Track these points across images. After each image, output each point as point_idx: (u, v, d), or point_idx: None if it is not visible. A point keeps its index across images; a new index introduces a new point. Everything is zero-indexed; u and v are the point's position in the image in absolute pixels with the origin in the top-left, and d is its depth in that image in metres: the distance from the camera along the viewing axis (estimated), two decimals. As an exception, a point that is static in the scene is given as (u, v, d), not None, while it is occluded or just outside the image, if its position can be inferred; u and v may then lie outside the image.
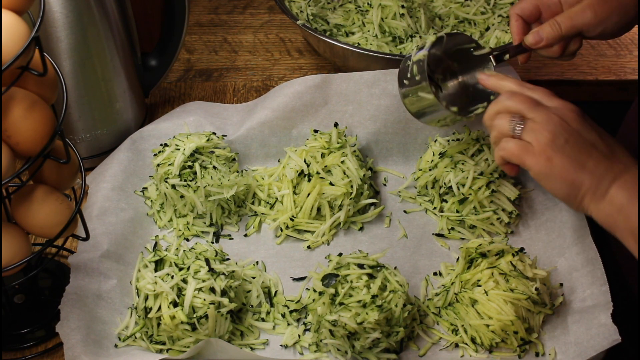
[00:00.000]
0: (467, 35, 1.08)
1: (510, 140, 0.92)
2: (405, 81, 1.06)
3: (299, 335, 1.02)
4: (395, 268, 1.02)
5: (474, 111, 1.05)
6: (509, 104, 0.93)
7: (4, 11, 0.79)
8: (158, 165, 1.14)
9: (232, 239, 1.15)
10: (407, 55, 1.08)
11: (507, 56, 1.07)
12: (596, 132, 0.91)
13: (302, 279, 1.09)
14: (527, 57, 1.08)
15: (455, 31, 1.18)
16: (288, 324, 1.04)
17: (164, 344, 0.99)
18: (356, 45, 1.34)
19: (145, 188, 1.17)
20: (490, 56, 1.06)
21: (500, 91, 0.98)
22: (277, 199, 1.16)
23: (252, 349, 1.01)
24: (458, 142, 1.17)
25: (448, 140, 1.18)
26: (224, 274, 1.00)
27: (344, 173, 1.14)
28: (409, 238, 1.15)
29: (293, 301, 1.05)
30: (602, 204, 0.89)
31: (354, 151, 1.18)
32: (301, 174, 1.14)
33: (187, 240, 1.14)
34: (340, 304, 0.97)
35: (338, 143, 1.17)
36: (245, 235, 1.15)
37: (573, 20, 1.01)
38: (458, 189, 1.13)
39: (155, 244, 1.07)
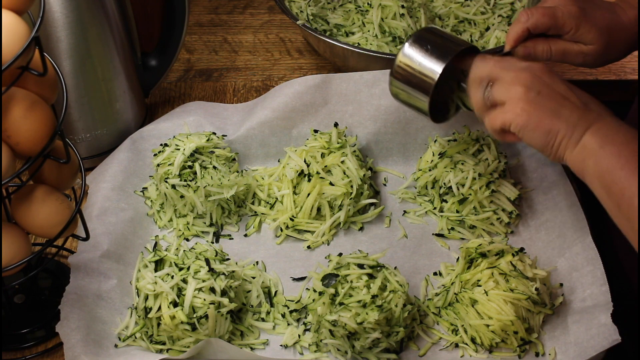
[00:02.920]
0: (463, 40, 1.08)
1: (489, 113, 0.95)
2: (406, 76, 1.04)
3: (299, 335, 1.02)
4: (395, 268, 1.02)
5: (447, 117, 1.07)
6: (477, 71, 0.97)
7: (4, 11, 0.79)
8: (158, 165, 1.14)
9: (232, 239, 1.15)
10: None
11: None
12: (566, 85, 0.94)
13: (302, 279, 1.09)
14: None
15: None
16: (288, 324, 1.04)
17: (164, 344, 0.99)
18: (356, 45, 1.34)
19: (145, 188, 1.17)
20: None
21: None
22: (277, 199, 1.16)
23: (252, 349, 1.01)
24: (457, 142, 1.17)
25: (448, 141, 1.18)
26: (224, 274, 1.00)
27: (344, 173, 1.14)
28: (409, 238, 1.15)
29: (293, 301, 1.05)
30: (575, 151, 0.91)
31: (354, 151, 1.18)
32: (301, 174, 1.14)
33: (187, 240, 1.14)
34: (340, 304, 0.97)
35: (338, 143, 1.17)
36: (245, 235, 1.15)
37: (565, 56, 1.06)
38: (457, 189, 1.13)
39: (155, 244, 1.07)
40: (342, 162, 1.15)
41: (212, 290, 0.98)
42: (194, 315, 0.96)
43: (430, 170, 1.17)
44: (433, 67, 1.00)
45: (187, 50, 1.46)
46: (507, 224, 1.14)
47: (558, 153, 0.92)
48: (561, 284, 1.05)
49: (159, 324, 0.98)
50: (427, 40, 1.03)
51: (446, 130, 1.22)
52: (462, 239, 1.14)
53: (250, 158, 1.23)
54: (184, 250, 1.01)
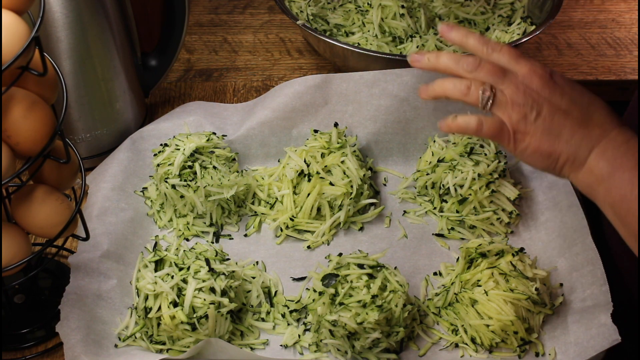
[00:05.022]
0: None
1: (488, 120, 0.89)
2: None
3: (299, 335, 1.02)
4: (395, 268, 1.02)
5: None
6: (478, 75, 0.90)
7: (4, 11, 0.79)
8: (158, 165, 1.14)
9: (232, 239, 1.15)
10: None
11: None
12: (568, 96, 0.89)
13: (302, 279, 1.09)
14: None
15: None
16: (288, 324, 1.04)
17: (164, 344, 0.99)
18: (356, 45, 1.34)
19: (145, 188, 1.17)
20: None
21: (465, 48, 0.94)
22: (277, 199, 1.16)
23: (252, 349, 1.01)
24: (455, 145, 1.16)
25: (446, 141, 1.18)
26: (224, 274, 1.00)
27: (344, 173, 1.14)
28: (409, 238, 1.15)
29: (293, 301, 1.05)
30: (581, 173, 0.87)
31: (354, 151, 1.18)
32: (301, 174, 1.14)
33: (187, 240, 1.14)
34: (340, 304, 0.97)
35: (338, 143, 1.17)
36: (245, 235, 1.15)
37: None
38: (455, 190, 1.13)
39: (155, 244, 1.07)
40: (342, 162, 1.15)
41: (212, 290, 0.98)
42: (194, 315, 0.96)
43: (427, 174, 1.17)
44: None
45: (187, 50, 1.46)
46: (507, 224, 1.14)
47: (562, 174, 0.89)
48: (561, 284, 1.05)
49: (159, 324, 0.98)
50: None
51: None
52: (462, 239, 1.14)
53: (250, 158, 1.23)
54: (184, 250, 1.01)
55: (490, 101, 0.89)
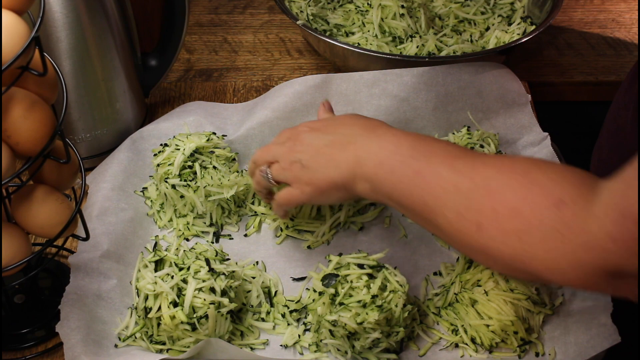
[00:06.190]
0: None
1: (279, 193, 1.00)
2: None
3: (299, 335, 1.02)
4: (395, 268, 1.02)
5: None
6: (255, 160, 1.03)
7: (4, 11, 0.79)
8: (158, 165, 1.14)
9: (232, 239, 1.15)
10: None
11: None
12: (331, 127, 0.97)
13: (302, 279, 1.09)
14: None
15: None
16: (288, 324, 1.04)
17: (164, 344, 0.99)
18: (356, 45, 1.34)
19: (145, 188, 1.17)
20: None
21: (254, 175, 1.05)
22: (277, 199, 1.16)
23: (252, 349, 1.02)
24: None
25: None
26: (224, 274, 1.00)
27: (344, 173, 1.14)
28: (409, 238, 1.15)
29: (293, 301, 1.05)
30: (360, 186, 0.93)
31: (354, 151, 1.18)
32: (301, 174, 1.14)
33: (187, 240, 1.14)
34: (340, 304, 0.96)
35: (338, 143, 1.17)
36: (245, 235, 1.15)
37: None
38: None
39: (155, 244, 1.07)
40: (342, 162, 1.15)
41: (212, 290, 0.98)
42: (194, 315, 0.96)
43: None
44: None
45: (187, 50, 1.46)
46: (507, 224, 1.14)
47: (356, 195, 0.95)
48: (561, 284, 1.05)
49: (159, 324, 0.98)
50: None
51: (446, 130, 1.22)
52: (462, 239, 1.14)
53: (250, 158, 1.23)
54: (184, 250, 1.01)
55: (269, 174, 1.00)
